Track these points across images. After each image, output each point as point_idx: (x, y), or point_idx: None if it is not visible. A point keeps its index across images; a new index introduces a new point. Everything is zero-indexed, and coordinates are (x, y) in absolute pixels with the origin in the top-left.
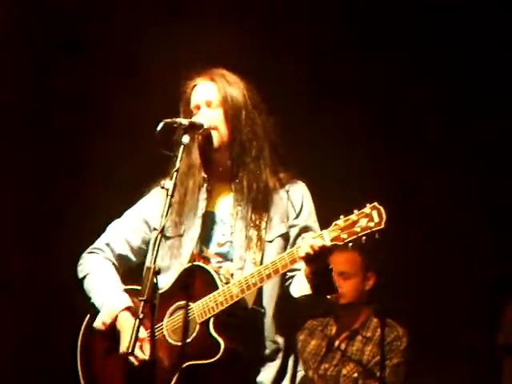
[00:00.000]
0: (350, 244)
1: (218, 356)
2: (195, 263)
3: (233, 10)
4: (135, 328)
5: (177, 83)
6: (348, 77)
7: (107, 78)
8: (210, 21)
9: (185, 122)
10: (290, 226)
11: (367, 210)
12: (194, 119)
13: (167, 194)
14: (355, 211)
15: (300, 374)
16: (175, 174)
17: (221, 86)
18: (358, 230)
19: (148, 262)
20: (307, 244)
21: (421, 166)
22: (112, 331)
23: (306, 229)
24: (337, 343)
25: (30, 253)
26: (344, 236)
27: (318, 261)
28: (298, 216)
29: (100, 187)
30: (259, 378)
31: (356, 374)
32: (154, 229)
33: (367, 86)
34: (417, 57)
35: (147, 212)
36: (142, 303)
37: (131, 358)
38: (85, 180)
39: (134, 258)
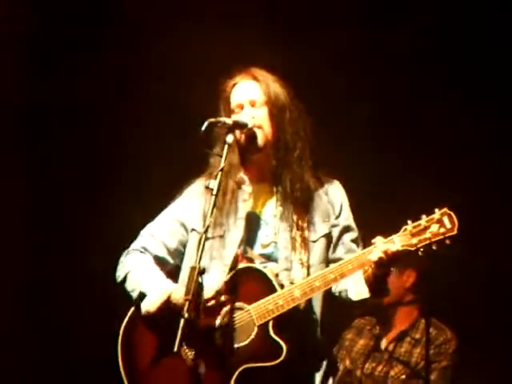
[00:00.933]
0: (422, 250)
1: (281, 358)
2: (250, 265)
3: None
4: (181, 327)
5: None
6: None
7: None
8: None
9: (229, 121)
10: (332, 226)
11: (437, 215)
12: (238, 118)
13: (212, 194)
14: (423, 216)
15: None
16: (220, 173)
17: (264, 85)
18: (429, 235)
19: (191, 262)
20: (380, 249)
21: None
22: (157, 326)
23: (347, 228)
24: (385, 344)
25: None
26: (415, 241)
27: (387, 266)
28: (338, 216)
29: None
30: (311, 380)
31: (404, 376)
32: (193, 229)
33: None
34: None
35: (182, 213)
36: (187, 302)
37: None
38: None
39: (171, 261)
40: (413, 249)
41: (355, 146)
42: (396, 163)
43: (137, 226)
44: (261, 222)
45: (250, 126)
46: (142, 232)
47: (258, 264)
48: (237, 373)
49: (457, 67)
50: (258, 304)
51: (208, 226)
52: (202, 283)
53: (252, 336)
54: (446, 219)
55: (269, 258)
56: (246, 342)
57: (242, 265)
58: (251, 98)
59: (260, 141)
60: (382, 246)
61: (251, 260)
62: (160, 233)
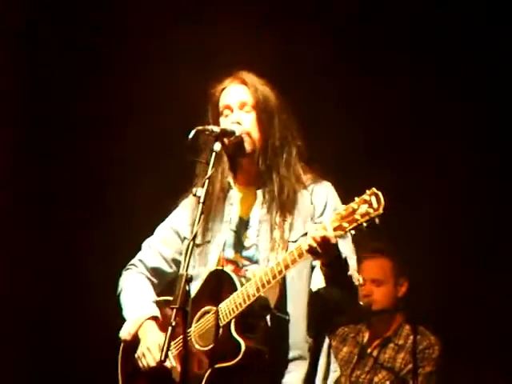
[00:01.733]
0: (353, 232)
1: (239, 357)
2: (217, 267)
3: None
4: (167, 336)
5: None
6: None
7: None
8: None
9: (216, 129)
10: (313, 226)
11: (366, 196)
12: (226, 126)
13: (199, 202)
14: (356, 199)
15: (335, 374)
16: (207, 181)
17: (253, 88)
18: (358, 217)
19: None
20: (309, 236)
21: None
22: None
23: None
24: (369, 350)
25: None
26: (345, 225)
27: (323, 252)
28: (321, 215)
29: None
30: (287, 380)
31: (388, 382)
32: (185, 238)
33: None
34: None
35: (177, 223)
36: (175, 311)
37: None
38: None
39: (168, 270)
40: (343, 232)
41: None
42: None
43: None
44: (246, 225)
45: (237, 133)
46: (142, 244)
47: (241, 266)
48: (205, 376)
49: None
50: (222, 304)
51: (196, 234)
52: (189, 291)
53: (218, 338)
54: (373, 199)
55: (251, 259)
56: (214, 344)
57: (212, 268)
58: (241, 100)
59: (247, 146)
60: (311, 232)
61: (235, 263)
62: (156, 243)
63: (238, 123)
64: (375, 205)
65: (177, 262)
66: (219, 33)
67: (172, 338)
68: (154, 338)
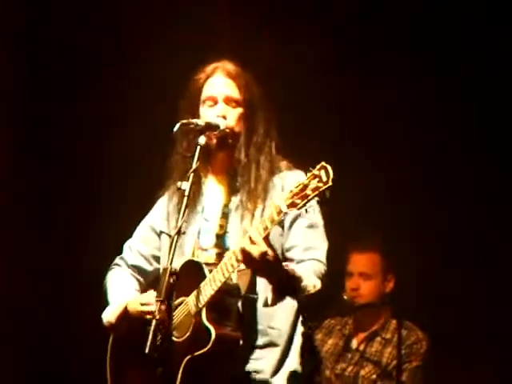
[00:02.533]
0: (305, 208)
1: (210, 345)
2: (188, 258)
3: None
4: (152, 329)
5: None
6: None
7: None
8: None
9: (201, 122)
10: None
11: (316, 171)
12: (210, 120)
13: (183, 195)
14: (307, 174)
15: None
16: (192, 174)
17: (241, 84)
18: (310, 192)
19: (163, 265)
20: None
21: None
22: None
23: (298, 216)
24: (355, 344)
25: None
26: (298, 201)
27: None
28: None
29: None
30: (259, 366)
31: (374, 376)
32: (161, 232)
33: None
34: None
35: (152, 219)
36: (159, 303)
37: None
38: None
39: (149, 267)
40: (296, 208)
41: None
42: None
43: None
44: (219, 213)
45: (222, 127)
46: (124, 246)
47: (213, 254)
48: (182, 366)
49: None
50: (193, 294)
51: (180, 228)
52: (174, 285)
53: (191, 327)
54: (323, 173)
55: (223, 247)
56: (188, 334)
57: (185, 260)
58: (227, 95)
59: (230, 140)
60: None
61: (206, 251)
62: (135, 242)
63: (224, 117)
64: (324, 178)
65: (157, 259)
66: (217, 32)
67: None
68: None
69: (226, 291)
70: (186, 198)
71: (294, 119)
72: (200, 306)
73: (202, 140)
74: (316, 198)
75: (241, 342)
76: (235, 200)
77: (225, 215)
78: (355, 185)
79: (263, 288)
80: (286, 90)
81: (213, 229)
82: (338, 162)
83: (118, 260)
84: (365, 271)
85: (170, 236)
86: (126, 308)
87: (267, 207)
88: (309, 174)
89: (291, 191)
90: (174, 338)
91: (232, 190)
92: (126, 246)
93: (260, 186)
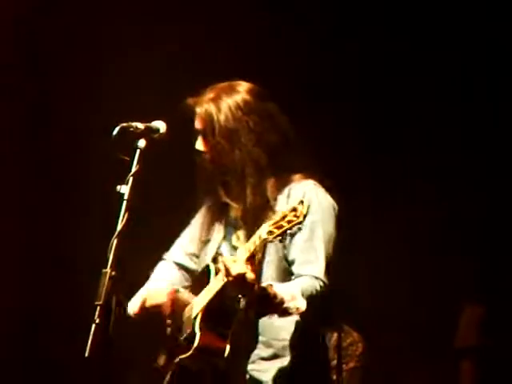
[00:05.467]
0: (279, 238)
1: (191, 350)
2: (208, 263)
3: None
4: (92, 333)
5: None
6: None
7: None
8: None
9: (141, 126)
10: None
11: (297, 204)
12: (151, 123)
13: (123, 199)
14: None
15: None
16: (131, 178)
17: (202, 112)
18: (285, 224)
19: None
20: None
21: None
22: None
23: (299, 228)
24: None
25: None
26: (275, 230)
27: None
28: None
29: None
30: (265, 377)
31: None
32: (202, 240)
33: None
34: None
35: (196, 229)
36: (99, 308)
37: None
38: None
39: (193, 266)
40: (272, 237)
41: None
42: None
43: None
44: (236, 224)
45: (161, 131)
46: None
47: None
48: (173, 365)
49: None
50: (197, 298)
51: (120, 231)
52: (113, 287)
53: (189, 330)
54: (300, 207)
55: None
56: (184, 336)
57: (204, 266)
58: (197, 128)
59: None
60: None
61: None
62: (181, 240)
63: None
64: (298, 213)
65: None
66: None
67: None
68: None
69: (224, 301)
70: (125, 202)
71: None
72: (197, 310)
73: (141, 143)
74: (288, 231)
75: (226, 353)
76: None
77: (241, 227)
78: None
79: None
80: None
81: (231, 240)
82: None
83: (165, 254)
84: None
85: (201, 241)
86: (144, 302)
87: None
88: (289, 206)
89: (273, 219)
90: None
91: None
92: (174, 244)
93: (264, 208)
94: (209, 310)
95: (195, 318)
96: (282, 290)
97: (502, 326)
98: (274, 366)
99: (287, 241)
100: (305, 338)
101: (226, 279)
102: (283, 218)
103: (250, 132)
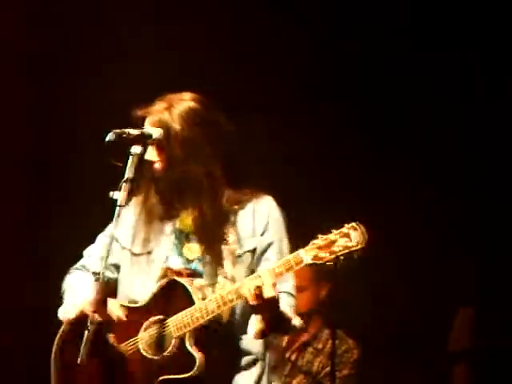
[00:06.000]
0: (328, 263)
1: (193, 371)
2: (174, 278)
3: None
4: (85, 338)
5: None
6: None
7: None
8: None
9: (134, 132)
10: (258, 241)
11: (345, 229)
12: (144, 130)
13: (116, 205)
14: (333, 231)
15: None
16: (124, 184)
17: (159, 121)
18: (337, 249)
19: (124, 279)
20: (246, 286)
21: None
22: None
23: (272, 244)
24: (287, 354)
25: None
26: (322, 255)
27: (259, 309)
28: (265, 230)
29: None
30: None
31: None
32: (123, 247)
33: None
34: None
35: (117, 232)
36: (91, 314)
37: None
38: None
39: (112, 275)
40: (321, 262)
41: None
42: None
43: None
44: (188, 237)
45: (154, 136)
46: (84, 252)
47: (184, 278)
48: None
49: None
50: (177, 317)
51: (114, 236)
52: (103, 293)
53: (170, 348)
54: (353, 233)
55: (194, 272)
56: (164, 354)
57: (166, 279)
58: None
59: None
60: (248, 282)
61: (180, 274)
62: (97, 250)
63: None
64: (356, 239)
65: (118, 268)
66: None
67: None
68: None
69: (211, 320)
70: (118, 208)
71: None
72: (185, 330)
73: (134, 149)
74: (342, 257)
75: (214, 371)
76: (204, 225)
77: (195, 239)
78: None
79: (241, 314)
80: None
81: (183, 252)
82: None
83: (78, 265)
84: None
85: (133, 254)
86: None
87: (240, 234)
88: (338, 231)
89: (314, 243)
90: (145, 354)
91: (197, 216)
92: (85, 254)
93: (222, 216)
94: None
95: (179, 336)
96: (285, 309)
97: (495, 328)
98: (243, 377)
99: (254, 258)
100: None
101: (252, 302)
102: (331, 243)
103: (204, 141)
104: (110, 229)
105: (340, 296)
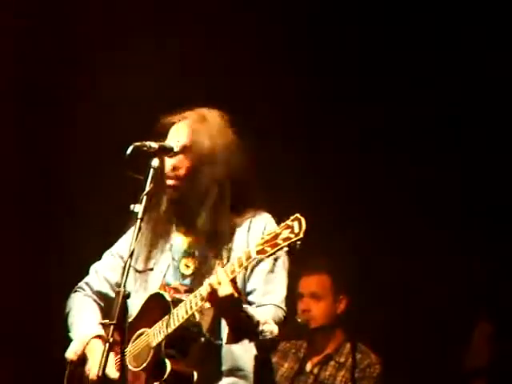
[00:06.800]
0: (273, 256)
1: (164, 378)
2: (155, 291)
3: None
4: (105, 352)
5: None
6: None
7: None
8: None
9: (154, 145)
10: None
11: (289, 221)
12: (164, 143)
13: (136, 218)
14: (281, 224)
15: None
16: (145, 197)
17: (192, 129)
18: (281, 241)
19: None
20: (204, 287)
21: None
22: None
23: (260, 261)
24: (309, 367)
25: None
26: (268, 249)
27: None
28: None
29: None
30: None
31: None
32: (138, 270)
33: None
34: None
35: (122, 247)
36: (112, 327)
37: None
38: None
39: (113, 294)
40: (265, 255)
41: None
42: None
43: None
44: (185, 253)
45: (175, 150)
46: (90, 268)
47: (182, 293)
48: None
49: None
50: (154, 326)
51: (133, 251)
52: (127, 308)
53: (149, 358)
54: (296, 224)
55: (190, 288)
56: (145, 365)
57: (152, 292)
58: (183, 144)
59: (175, 194)
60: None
61: (177, 290)
62: (103, 268)
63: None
64: (296, 229)
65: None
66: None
67: (113, 354)
68: (99, 355)
69: (187, 328)
70: (138, 221)
71: None
72: (160, 339)
73: (155, 162)
74: (285, 248)
75: (195, 379)
76: (202, 243)
77: (191, 255)
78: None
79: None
80: None
81: (180, 268)
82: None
83: (82, 284)
84: (315, 291)
85: (137, 271)
86: (87, 345)
87: (234, 250)
88: (282, 224)
89: (262, 238)
90: (130, 367)
91: (194, 232)
92: (92, 270)
93: (220, 234)
94: (169, 338)
95: (156, 346)
96: (256, 313)
97: None
98: None
99: (247, 271)
100: (261, 366)
101: (209, 302)
102: (275, 236)
103: (224, 160)
104: (117, 247)
105: (360, 309)
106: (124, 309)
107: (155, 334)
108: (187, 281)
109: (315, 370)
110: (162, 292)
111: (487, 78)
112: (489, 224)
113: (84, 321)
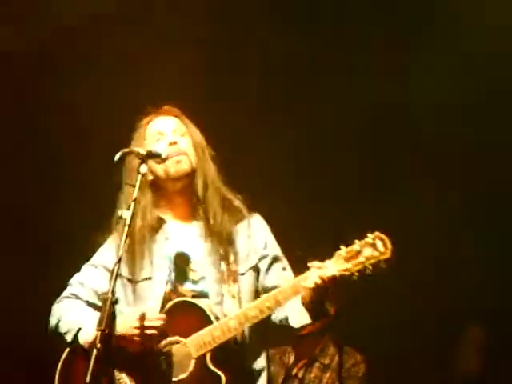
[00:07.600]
0: (356, 274)
1: None
2: (184, 299)
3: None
4: (93, 358)
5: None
6: None
7: None
8: None
9: (142, 151)
10: (261, 258)
11: (370, 239)
12: (152, 148)
13: (124, 224)
14: (356, 241)
15: None
16: (133, 203)
17: (184, 120)
18: (363, 259)
19: (121, 305)
20: (316, 275)
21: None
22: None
23: (276, 258)
24: (295, 371)
25: None
26: (349, 266)
27: (323, 291)
28: (266, 247)
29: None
30: None
31: None
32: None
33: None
34: None
35: (106, 259)
36: (99, 333)
37: None
38: None
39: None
40: (348, 273)
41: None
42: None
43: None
44: (188, 258)
45: (163, 156)
46: (70, 281)
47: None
48: None
49: None
50: (195, 337)
51: (121, 257)
52: (114, 313)
53: (190, 369)
54: (378, 243)
55: (200, 293)
56: (185, 376)
57: (176, 300)
58: (173, 128)
59: (186, 166)
60: (317, 271)
61: (184, 296)
62: (88, 280)
63: (175, 143)
64: (382, 249)
65: None
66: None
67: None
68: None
69: (230, 339)
70: (126, 228)
71: None
72: (205, 349)
73: (143, 169)
74: (370, 267)
75: None
76: (207, 245)
77: (197, 260)
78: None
79: (250, 331)
80: None
81: (186, 274)
82: None
83: (68, 294)
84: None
85: (129, 280)
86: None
87: (240, 253)
88: (361, 242)
89: (340, 255)
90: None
91: (200, 234)
92: (75, 283)
93: (225, 231)
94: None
95: (200, 356)
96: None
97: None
98: None
99: (261, 271)
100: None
101: (317, 283)
102: (358, 253)
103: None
104: (98, 258)
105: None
106: (112, 315)
107: (198, 345)
108: (197, 286)
109: (300, 374)
110: (193, 300)
111: None
112: (478, 231)
113: (91, 312)
